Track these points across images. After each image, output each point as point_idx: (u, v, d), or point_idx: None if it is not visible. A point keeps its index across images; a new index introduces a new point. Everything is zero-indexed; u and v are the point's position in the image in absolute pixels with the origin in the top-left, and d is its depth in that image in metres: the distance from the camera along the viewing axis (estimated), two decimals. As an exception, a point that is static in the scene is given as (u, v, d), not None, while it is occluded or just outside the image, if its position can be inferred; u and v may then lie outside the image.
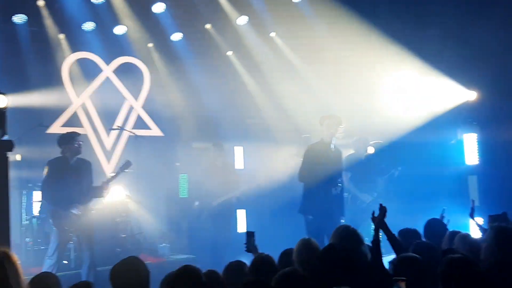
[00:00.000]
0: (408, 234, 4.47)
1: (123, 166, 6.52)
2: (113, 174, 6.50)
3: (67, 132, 6.44)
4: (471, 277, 2.79)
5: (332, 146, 6.25)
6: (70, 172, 6.10)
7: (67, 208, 6.02)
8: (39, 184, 7.72)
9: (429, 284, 3.27)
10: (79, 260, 6.28)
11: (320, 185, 6.09)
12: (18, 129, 6.81)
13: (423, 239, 4.41)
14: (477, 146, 7.58)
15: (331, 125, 6.15)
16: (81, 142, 6.25)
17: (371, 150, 7.91)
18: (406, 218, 6.97)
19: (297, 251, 3.89)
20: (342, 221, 6.24)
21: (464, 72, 7.74)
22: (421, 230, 4.79)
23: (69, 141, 6.16)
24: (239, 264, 3.88)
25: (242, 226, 9.60)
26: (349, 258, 3.41)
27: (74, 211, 6.03)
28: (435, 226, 4.72)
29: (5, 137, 4.73)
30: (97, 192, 6.30)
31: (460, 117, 7.84)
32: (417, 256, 3.46)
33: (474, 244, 4.00)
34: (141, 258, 3.47)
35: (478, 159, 7.56)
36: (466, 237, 4.17)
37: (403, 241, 4.30)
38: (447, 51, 7.86)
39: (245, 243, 4.51)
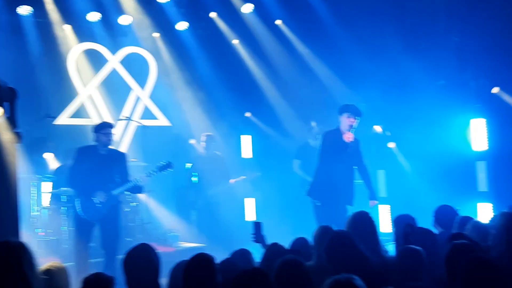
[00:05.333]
0: (403, 221, 4.38)
1: (163, 167, 6.46)
2: (152, 172, 6.41)
3: (102, 122, 6.47)
4: (476, 263, 2.77)
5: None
6: (98, 161, 6.08)
7: (90, 195, 6.01)
8: (47, 175, 7.82)
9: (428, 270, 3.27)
10: (102, 249, 6.22)
11: (331, 173, 6.07)
12: (26, 121, 6.82)
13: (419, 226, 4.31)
14: (486, 131, 7.51)
15: (349, 117, 6.10)
16: (111, 134, 6.19)
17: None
18: (413, 205, 7.01)
19: (317, 238, 3.88)
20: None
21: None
22: (429, 217, 4.76)
23: (99, 129, 6.14)
24: (244, 252, 3.90)
25: (251, 215, 9.64)
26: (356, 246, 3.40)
27: (98, 199, 6.02)
28: (447, 212, 4.67)
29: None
30: (132, 186, 6.26)
31: (468, 101, 7.78)
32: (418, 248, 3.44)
33: (487, 231, 3.94)
34: (150, 246, 3.49)
35: (487, 145, 7.49)
36: (479, 224, 4.11)
37: (398, 229, 4.24)
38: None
39: (253, 234, 4.52)
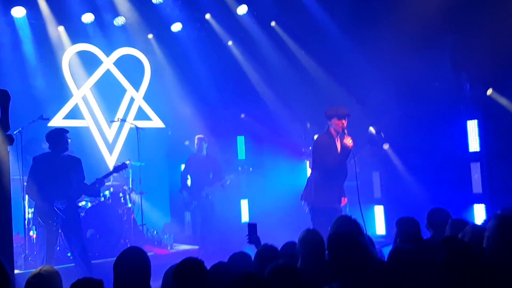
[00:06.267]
0: (407, 223, 4.39)
1: (118, 168, 6.67)
2: (106, 174, 6.59)
3: (56, 129, 6.44)
4: (471, 265, 2.77)
5: (337, 138, 6.19)
6: (57, 168, 6.09)
7: (51, 203, 6.04)
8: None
9: (425, 275, 3.26)
10: (72, 254, 6.34)
11: (326, 177, 6.06)
12: (20, 122, 6.81)
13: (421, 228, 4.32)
14: (478, 132, 7.53)
15: (339, 119, 6.09)
16: (69, 139, 6.24)
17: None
18: (409, 206, 7.01)
19: (300, 241, 3.87)
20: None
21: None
22: (423, 218, 4.77)
23: (57, 137, 6.15)
24: (243, 255, 3.88)
25: (245, 216, 9.64)
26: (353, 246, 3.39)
27: (59, 206, 6.04)
28: (439, 215, 4.68)
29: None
30: (89, 190, 6.35)
31: (462, 102, 7.80)
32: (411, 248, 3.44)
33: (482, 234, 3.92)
34: (145, 249, 3.50)
35: (479, 146, 7.51)
36: (476, 227, 4.09)
37: (401, 231, 4.24)
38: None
39: (247, 235, 4.51)
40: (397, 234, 4.31)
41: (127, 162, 7.18)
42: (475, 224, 4.16)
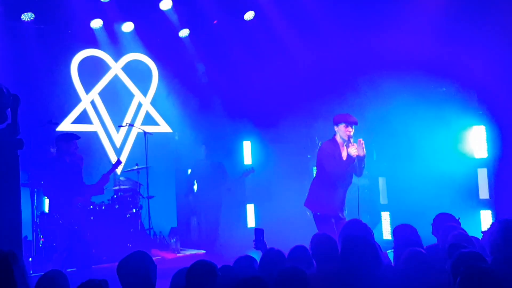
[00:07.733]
0: (404, 231, 4.37)
1: (116, 164, 6.96)
2: (108, 171, 6.75)
3: (66, 134, 6.64)
4: (483, 271, 2.77)
5: (343, 146, 6.16)
6: (69, 171, 6.28)
7: (70, 205, 6.23)
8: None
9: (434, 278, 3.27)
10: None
11: (330, 184, 6.04)
12: (28, 127, 6.87)
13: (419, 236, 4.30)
14: (486, 138, 7.51)
15: (346, 126, 6.04)
16: (77, 146, 6.45)
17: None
18: (415, 212, 7.01)
19: (314, 245, 3.88)
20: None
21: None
22: (430, 224, 4.77)
23: (66, 143, 6.36)
24: (248, 258, 3.90)
25: (252, 221, 9.65)
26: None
27: (78, 206, 6.24)
28: (444, 221, 4.66)
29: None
30: (94, 189, 6.56)
31: (469, 108, 7.78)
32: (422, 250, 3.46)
33: (469, 242, 3.90)
34: (152, 253, 3.52)
35: (487, 152, 7.49)
36: (461, 234, 4.08)
37: (399, 238, 4.23)
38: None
39: (254, 240, 4.52)
40: (396, 241, 4.30)
41: (136, 166, 7.23)
42: (460, 232, 4.12)
